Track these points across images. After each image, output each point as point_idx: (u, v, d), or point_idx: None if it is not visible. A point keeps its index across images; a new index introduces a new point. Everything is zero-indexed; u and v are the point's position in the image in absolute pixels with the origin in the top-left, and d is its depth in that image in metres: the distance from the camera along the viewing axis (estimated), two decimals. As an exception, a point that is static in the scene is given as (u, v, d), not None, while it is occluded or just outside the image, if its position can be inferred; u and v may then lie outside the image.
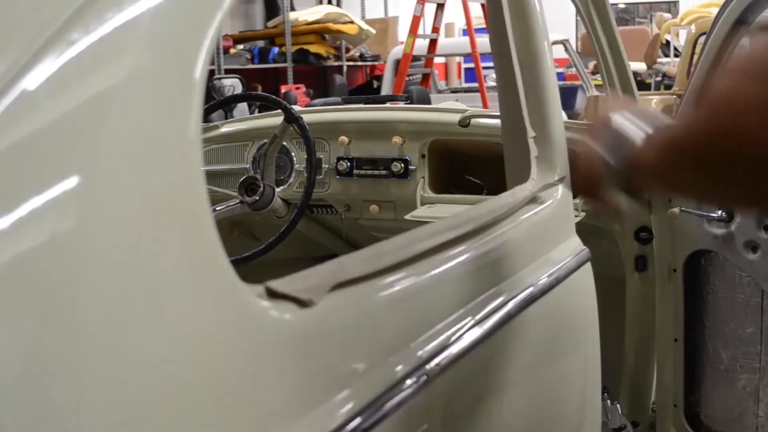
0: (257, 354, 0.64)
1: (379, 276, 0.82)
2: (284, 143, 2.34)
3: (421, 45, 6.72)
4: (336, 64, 8.11)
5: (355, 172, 2.44)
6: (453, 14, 8.25)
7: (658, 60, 8.67)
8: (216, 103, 2.37)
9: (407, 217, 2.26)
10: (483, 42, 6.07)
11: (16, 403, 0.47)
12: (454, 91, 8.50)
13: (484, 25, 6.57)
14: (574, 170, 0.91)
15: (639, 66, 8.03)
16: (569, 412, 1.36)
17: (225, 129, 2.54)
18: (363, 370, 0.77)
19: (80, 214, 0.51)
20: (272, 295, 0.68)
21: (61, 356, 0.49)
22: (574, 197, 1.32)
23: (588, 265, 1.52)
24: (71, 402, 0.50)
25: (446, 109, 2.57)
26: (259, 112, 3.73)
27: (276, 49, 7.40)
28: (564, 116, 1.77)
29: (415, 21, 6.38)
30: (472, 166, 2.55)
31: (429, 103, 5.31)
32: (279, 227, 2.11)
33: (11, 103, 0.49)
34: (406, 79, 6.43)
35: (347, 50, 8.22)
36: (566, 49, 5.97)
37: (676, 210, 2.07)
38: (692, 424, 2.14)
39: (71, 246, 0.50)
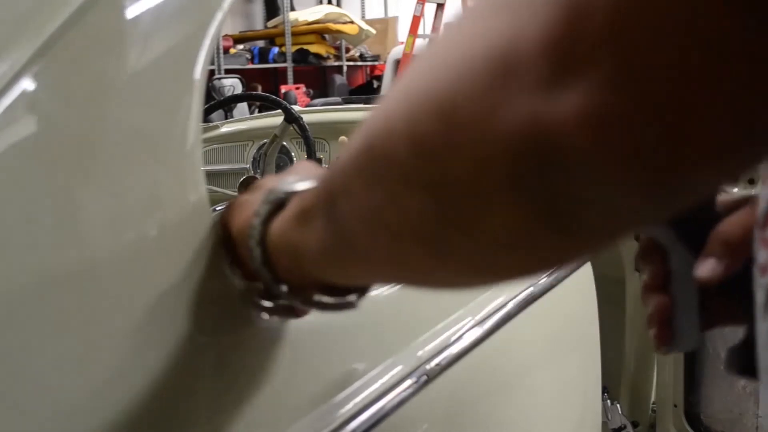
0: (257, 354, 0.64)
1: (379, 276, 0.82)
2: (284, 143, 2.34)
3: (421, 45, 6.72)
4: (336, 64, 8.11)
5: (355, 172, 2.44)
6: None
7: (658, 60, 8.66)
8: (216, 103, 2.37)
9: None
10: (483, 42, 6.06)
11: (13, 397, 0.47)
12: (454, 91, 8.48)
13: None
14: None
15: (639, 66, 8.02)
16: (569, 412, 1.36)
17: (225, 129, 2.54)
18: (363, 370, 0.77)
19: (80, 213, 0.51)
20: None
21: (56, 353, 0.49)
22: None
23: (588, 265, 1.52)
24: (71, 402, 0.50)
25: (446, 109, 2.57)
26: (259, 112, 3.73)
27: (276, 49, 7.41)
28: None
29: (415, 21, 6.39)
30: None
31: (429, 103, 5.30)
32: (279, 227, 2.11)
33: (11, 103, 0.49)
34: (406, 79, 6.42)
35: (347, 50, 8.22)
36: (566, 49, 5.97)
37: (676, 210, 2.07)
38: (692, 424, 2.14)
39: (70, 245, 0.50)
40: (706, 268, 0.59)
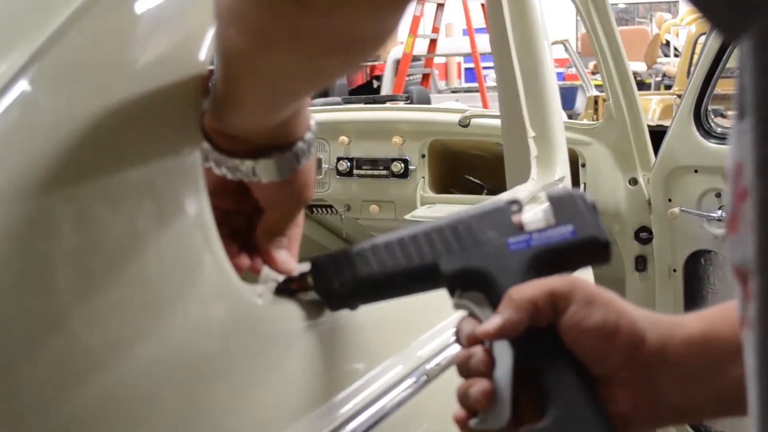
0: (257, 354, 0.64)
1: (379, 276, 0.82)
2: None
3: (421, 45, 6.72)
4: (336, 64, 8.08)
5: (355, 172, 2.45)
6: (453, 14, 8.25)
7: (658, 60, 8.67)
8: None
9: (407, 217, 2.27)
10: (483, 42, 6.07)
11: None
12: (454, 91, 8.50)
13: (484, 25, 6.58)
14: None
15: (639, 66, 8.03)
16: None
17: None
18: (363, 370, 0.77)
19: (80, 211, 0.51)
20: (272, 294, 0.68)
21: (53, 353, 0.49)
22: None
23: (588, 266, 1.51)
24: (64, 401, 0.50)
25: (446, 109, 2.58)
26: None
27: (276, 49, 7.38)
28: (564, 116, 1.77)
29: (415, 21, 6.39)
30: (472, 166, 2.55)
31: (429, 103, 5.31)
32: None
33: (11, 103, 0.49)
34: (406, 79, 6.43)
35: (347, 50, 8.20)
36: (566, 49, 5.98)
37: (676, 210, 2.07)
38: (692, 424, 2.14)
39: (73, 243, 0.50)
40: (489, 323, 0.58)
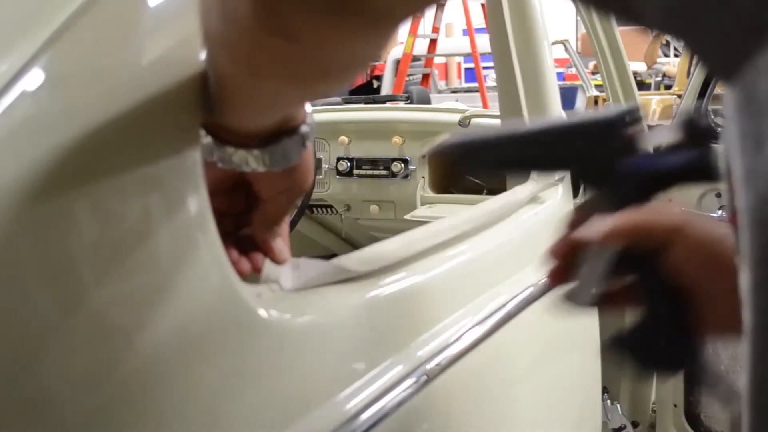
0: (257, 353, 0.64)
1: (378, 275, 0.82)
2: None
3: (421, 45, 6.72)
4: (336, 64, 8.08)
5: (355, 172, 2.45)
6: (453, 14, 8.25)
7: (658, 60, 8.67)
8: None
9: (407, 217, 2.27)
10: (483, 42, 6.07)
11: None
12: (454, 91, 8.51)
13: (484, 25, 6.57)
14: None
15: (639, 66, 8.03)
16: (569, 412, 1.36)
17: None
18: (363, 370, 0.77)
19: (80, 210, 0.51)
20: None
21: (53, 355, 0.49)
22: None
23: (588, 265, 1.51)
24: (60, 404, 0.50)
25: (446, 109, 2.58)
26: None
27: (276, 49, 7.38)
28: (564, 116, 1.77)
29: (415, 21, 6.38)
30: (473, 166, 2.54)
31: (429, 103, 5.31)
32: (279, 227, 2.11)
33: (11, 103, 0.49)
34: (406, 79, 6.43)
35: (347, 50, 8.19)
36: (566, 49, 5.98)
37: (675, 210, 2.07)
38: (692, 424, 2.14)
39: (72, 242, 0.50)
40: (602, 223, 0.64)
